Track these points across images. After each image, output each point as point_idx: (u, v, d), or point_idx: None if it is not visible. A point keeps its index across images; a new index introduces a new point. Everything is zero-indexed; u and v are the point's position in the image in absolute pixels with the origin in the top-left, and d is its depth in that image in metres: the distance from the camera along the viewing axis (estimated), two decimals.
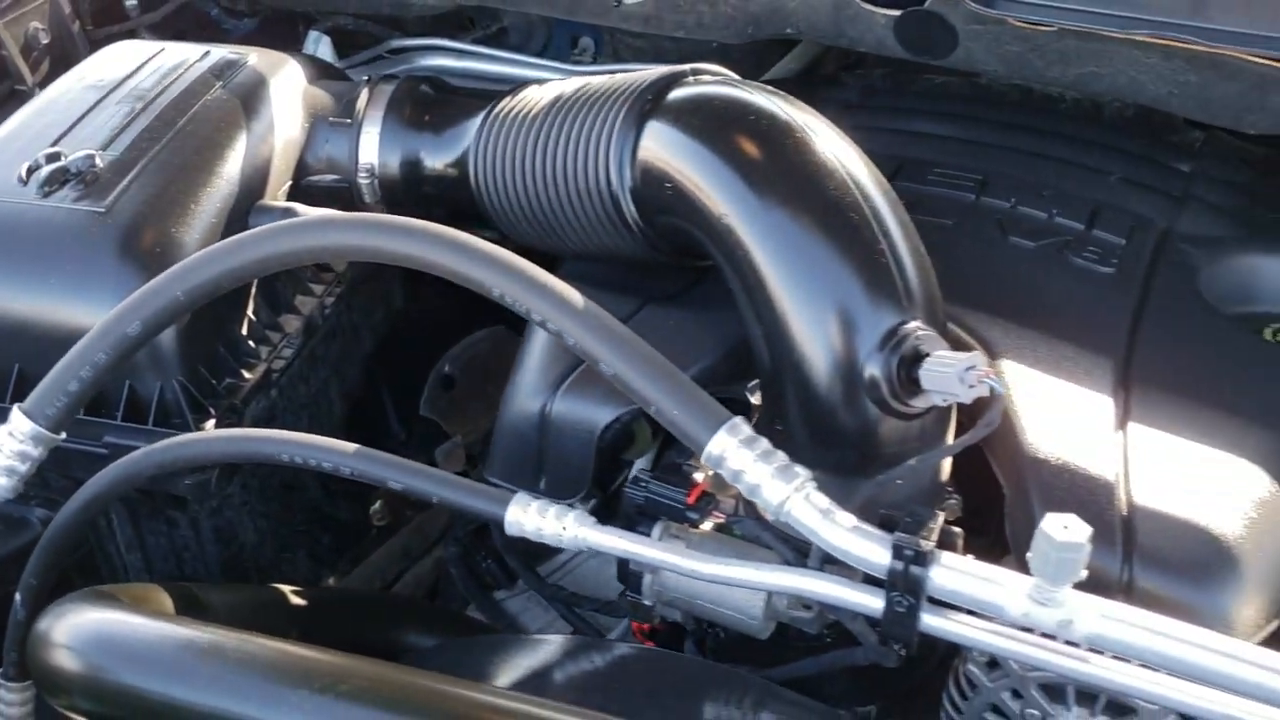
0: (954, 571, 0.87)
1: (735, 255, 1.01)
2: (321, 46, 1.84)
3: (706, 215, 1.03)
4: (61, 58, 1.62)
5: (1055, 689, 0.96)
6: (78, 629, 0.84)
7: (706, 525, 1.05)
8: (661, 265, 1.21)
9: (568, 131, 1.16)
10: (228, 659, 0.81)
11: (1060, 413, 1.03)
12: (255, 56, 1.40)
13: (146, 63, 1.39)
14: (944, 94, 1.52)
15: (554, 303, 0.94)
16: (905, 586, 0.87)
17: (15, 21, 1.62)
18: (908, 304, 0.98)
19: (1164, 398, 1.05)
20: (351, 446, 1.03)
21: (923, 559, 0.86)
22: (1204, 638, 0.83)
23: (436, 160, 1.31)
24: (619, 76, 1.18)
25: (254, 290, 1.29)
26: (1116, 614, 0.83)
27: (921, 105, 1.49)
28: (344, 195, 1.36)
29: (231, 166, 1.28)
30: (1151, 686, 0.86)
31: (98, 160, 1.22)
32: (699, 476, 1.06)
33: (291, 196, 1.35)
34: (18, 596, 1.04)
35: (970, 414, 1.00)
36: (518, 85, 1.29)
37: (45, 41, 1.64)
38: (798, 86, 1.67)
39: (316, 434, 1.05)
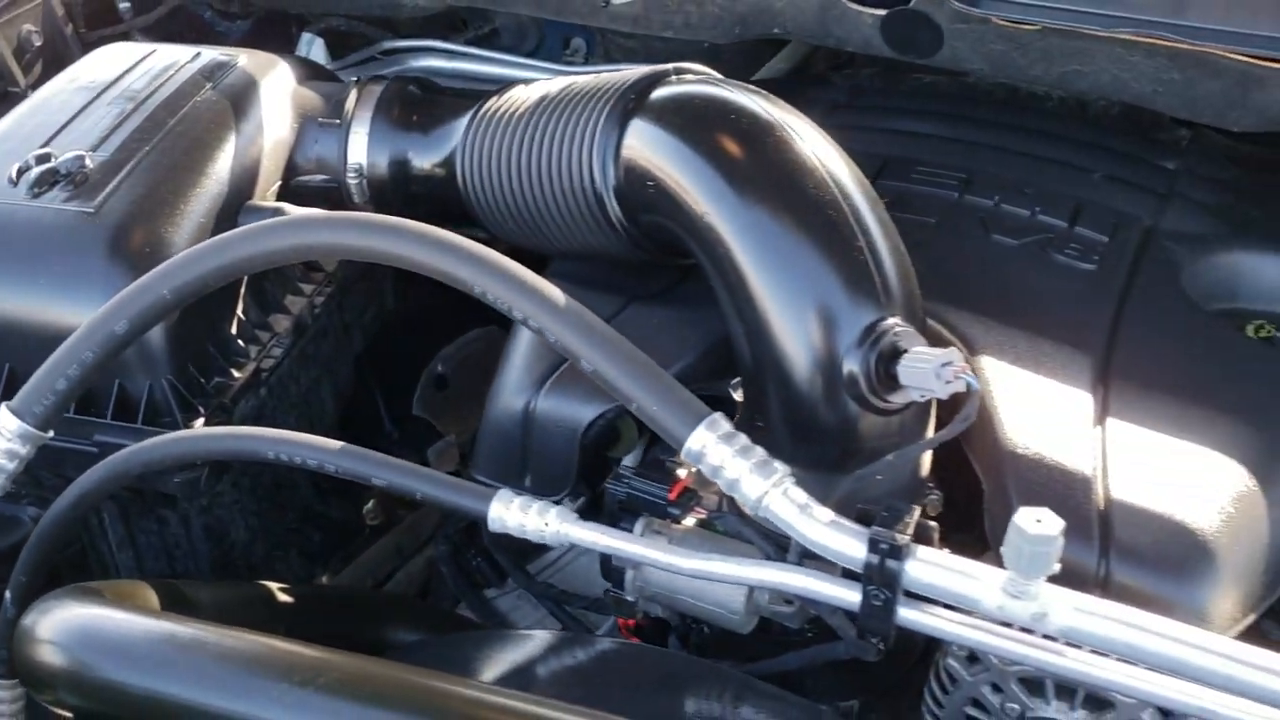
0: (929, 565, 0.87)
1: (716, 253, 1.02)
2: (315, 48, 1.85)
3: (687, 213, 1.04)
4: (54, 60, 1.63)
5: (1035, 683, 0.97)
6: (61, 624, 0.85)
7: (689, 521, 1.05)
8: (646, 264, 1.22)
9: (552, 130, 1.17)
10: (208, 653, 0.81)
11: (1039, 408, 1.04)
12: (245, 58, 1.41)
13: (137, 64, 1.40)
14: (931, 93, 1.53)
15: (535, 300, 0.95)
16: (881, 580, 0.88)
17: (8, 24, 1.63)
18: (886, 301, 0.98)
19: (1143, 393, 1.06)
20: (336, 444, 1.04)
21: (898, 553, 0.87)
22: (1178, 631, 0.83)
23: (424, 160, 1.32)
24: (604, 76, 1.19)
25: (243, 290, 1.30)
26: (1090, 607, 0.84)
27: (908, 104, 1.50)
28: (333, 195, 1.37)
29: (221, 167, 1.29)
30: (1128, 680, 0.87)
31: (88, 161, 1.23)
32: (682, 473, 1.06)
33: (281, 197, 1.36)
34: (8, 594, 1.05)
35: (951, 410, 1.01)
36: (504, 85, 1.30)
37: (38, 44, 1.65)
38: (787, 86, 1.68)
39: (307, 433, 1.06)
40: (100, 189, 1.21)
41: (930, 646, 1.03)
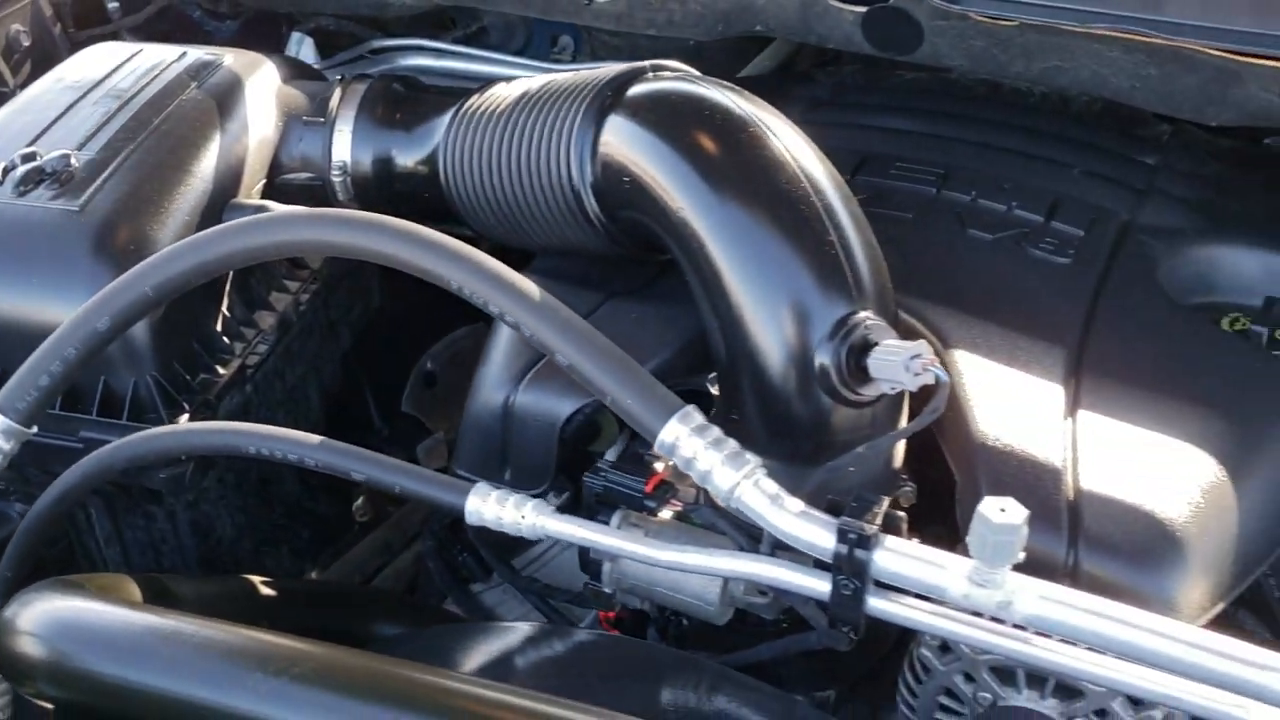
0: (897, 554, 0.88)
1: (690, 247, 1.03)
2: (304, 47, 1.86)
3: (662, 208, 1.05)
4: (43, 60, 1.64)
5: (1006, 672, 0.97)
6: (40, 616, 0.86)
7: (665, 513, 1.06)
8: (626, 260, 1.23)
9: (531, 127, 1.18)
10: (185, 644, 0.82)
11: (1011, 401, 1.05)
12: (231, 57, 1.42)
13: (124, 64, 1.41)
14: (913, 89, 1.54)
15: (510, 295, 0.96)
16: (850, 569, 0.89)
17: None
18: (858, 295, 0.99)
19: (1115, 385, 1.07)
20: (316, 439, 1.05)
21: (866, 542, 0.88)
22: (1142, 619, 0.84)
23: (407, 158, 1.33)
24: (582, 73, 1.20)
25: (228, 287, 1.31)
26: (1055, 595, 0.85)
27: (890, 101, 1.51)
28: (318, 193, 1.38)
29: (206, 165, 1.30)
30: (1096, 668, 0.88)
31: (73, 160, 1.25)
32: (659, 466, 1.07)
33: (266, 195, 1.37)
34: None
35: (925, 403, 1.02)
36: (486, 83, 1.31)
37: (26, 44, 1.67)
38: (770, 83, 1.69)
39: (293, 430, 1.07)
40: (85, 187, 1.23)
41: (904, 637, 1.04)
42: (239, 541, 1.39)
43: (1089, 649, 0.88)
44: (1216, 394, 1.07)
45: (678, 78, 1.14)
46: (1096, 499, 0.98)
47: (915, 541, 0.91)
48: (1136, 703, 0.94)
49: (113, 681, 0.83)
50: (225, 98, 1.37)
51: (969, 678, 0.99)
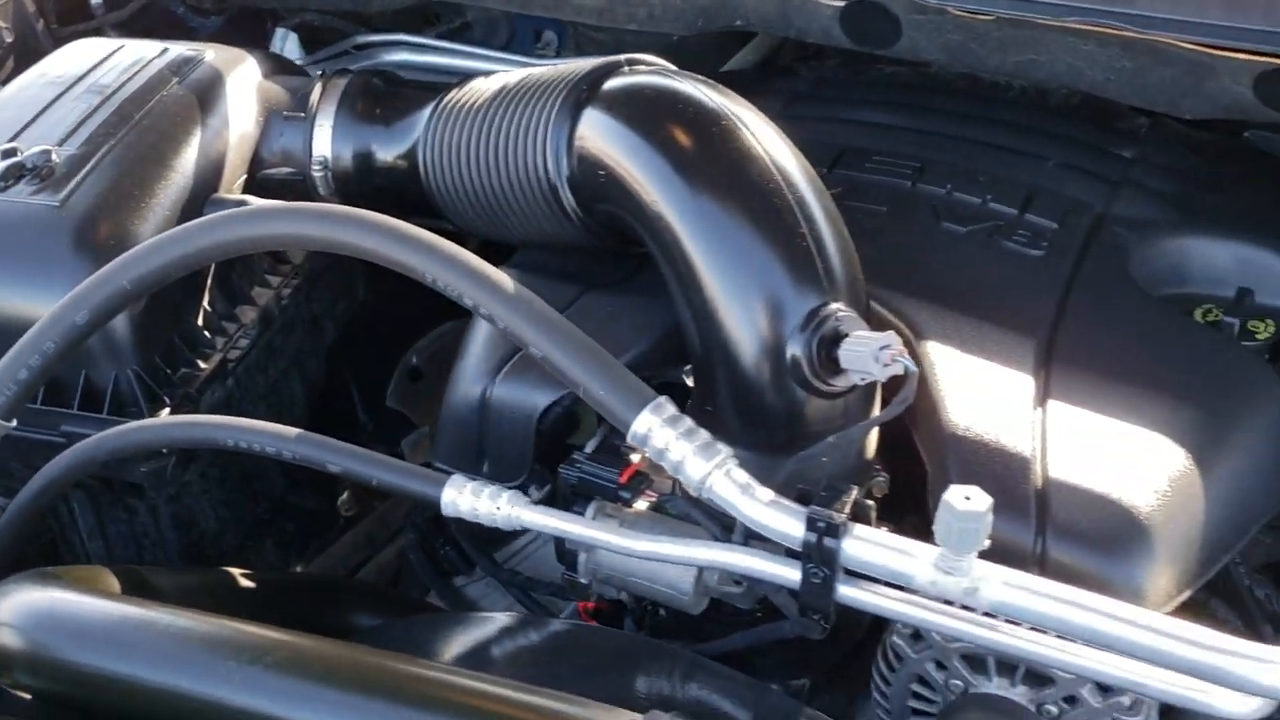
0: (865, 542, 0.89)
1: (664, 240, 1.04)
2: (288, 43, 1.87)
3: (636, 201, 1.06)
4: (25, 56, 1.64)
5: (977, 660, 0.99)
6: (16, 607, 0.87)
7: (641, 504, 1.07)
8: (605, 254, 1.24)
9: (509, 122, 1.19)
10: (159, 633, 0.83)
11: (981, 391, 1.06)
12: (212, 53, 1.43)
13: (105, 59, 1.42)
14: (893, 84, 1.54)
15: (484, 287, 0.97)
16: (820, 558, 0.90)
17: None
18: (829, 287, 1.00)
19: (1086, 376, 1.08)
20: (293, 431, 1.06)
21: (835, 531, 0.89)
22: (1107, 606, 0.85)
23: (387, 152, 1.34)
24: (560, 67, 1.20)
25: (210, 282, 1.32)
26: (1020, 582, 0.86)
27: (870, 95, 1.51)
28: (299, 188, 1.39)
29: (186, 160, 1.31)
30: (1062, 655, 0.89)
31: (54, 155, 1.25)
32: (635, 458, 1.08)
33: (248, 189, 1.38)
34: None
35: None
36: (465, 77, 1.31)
37: (9, 40, 1.67)
38: (752, 77, 1.70)
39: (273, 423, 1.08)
40: (66, 182, 1.23)
41: (878, 626, 1.05)
42: (222, 536, 1.39)
43: (1057, 636, 0.89)
44: (1186, 384, 1.08)
45: (653, 72, 1.15)
46: (1064, 488, 0.99)
47: (885, 530, 0.92)
48: (1105, 689, 0.95)
49: (89, 671, 0.84)
50: (206, 93, 1.37)
51: (940, 665, 1.00)
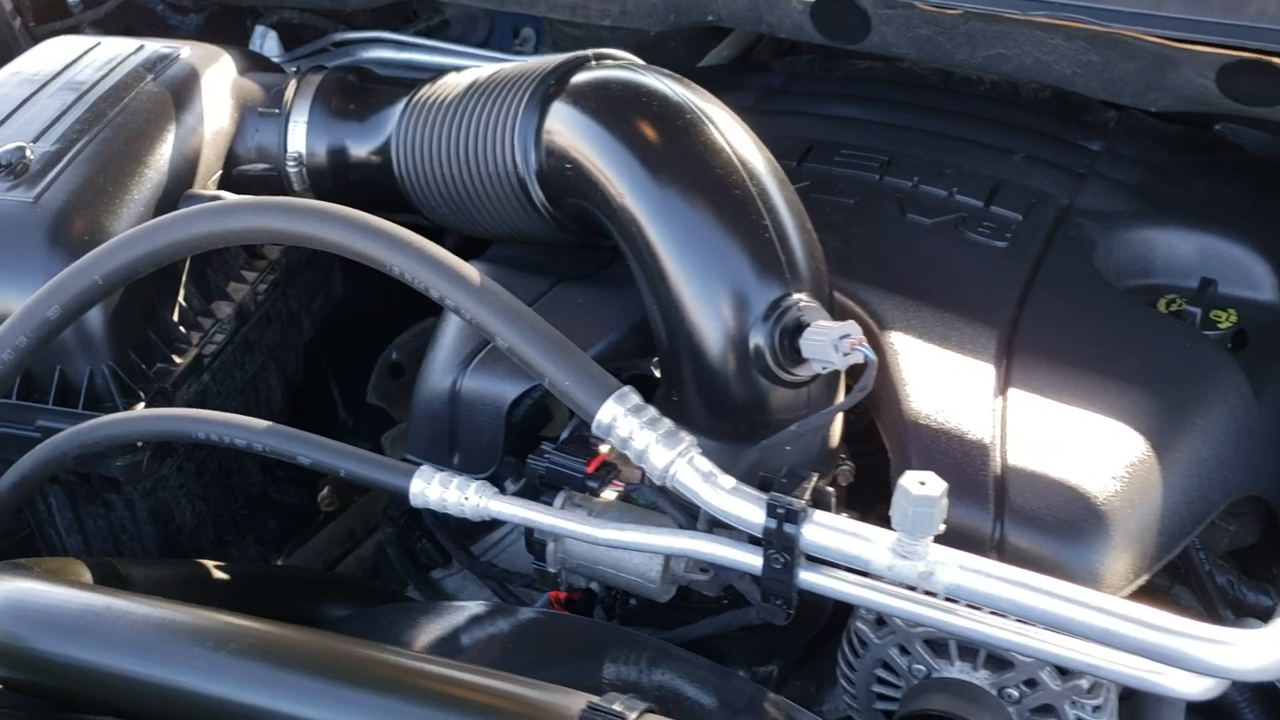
0: (824, 528, 0.91)
1: (629, 232, 1.05)
2: (268, 41, 1.88)
3: (602, 194, 1.07)
4: (3, 54, 1.65)
5: (939, 644, 1.00)
6: None
7: (609, 494, 1.08)
8: (578, 247, 1.25)
9: (478, 116, 1.20)
10: (124, 621, 0.84)
11: (943, 380, 1.07)
12: (187, 50, 1.43)
13: (81, 57, 1.42)
14: (865, 78, 1.56)
15: (450, 279, 0.98)
16: (780, 543, 0.91)
17: None
18: (791, 277, 1.01)
19: (1046, 365, 1.09)
20: (263, 423, 1.07)
21: (794, 517, 0.90)
22: (1061, 589, 0.87)
23: (361, 148, 1.35)
24: (529, 62, 1.21)
25: (185, 277, 1.33)
26: (975, 566, 0.87)
27: (842, 90, 1.53)
28: (274, 184, 1.40)
29: (161, 156, 1.32)
30: (1018, 638, 0.90)
31: (28, 152, 1.26)
32: (604, 448, 1.09)
33: (223, 186, 1.38)
34: None
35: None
36: (437, 73, 1.32)
37: None
38: (727, 72, 1.71)
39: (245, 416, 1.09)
40: (40, 179, 1.24)
41: (843, 613, 1.06)
42: (200, 530, 1.40)
43: (1016, 620, 0.90)
44: (1145, 373, 1.09)
45: (619, 66, 1.16)
46: (1022, 474, 1.00)
47: (846, 516, 0.93)
48: (1064, 672, 0.96)
49: (56, 660, 0.85)
50: (181, 90, 1.38)
51: (904, 650, 1.01)
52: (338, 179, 1.38)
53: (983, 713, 0.97)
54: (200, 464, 1.38)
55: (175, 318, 1.31)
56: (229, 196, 1.30)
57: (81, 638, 0.85)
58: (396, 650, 0.86)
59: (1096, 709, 0.97)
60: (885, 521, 0.94)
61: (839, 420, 1.07)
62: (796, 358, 0.99)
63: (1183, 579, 1.17)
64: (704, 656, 1.02)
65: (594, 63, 1.17)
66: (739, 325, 1.00)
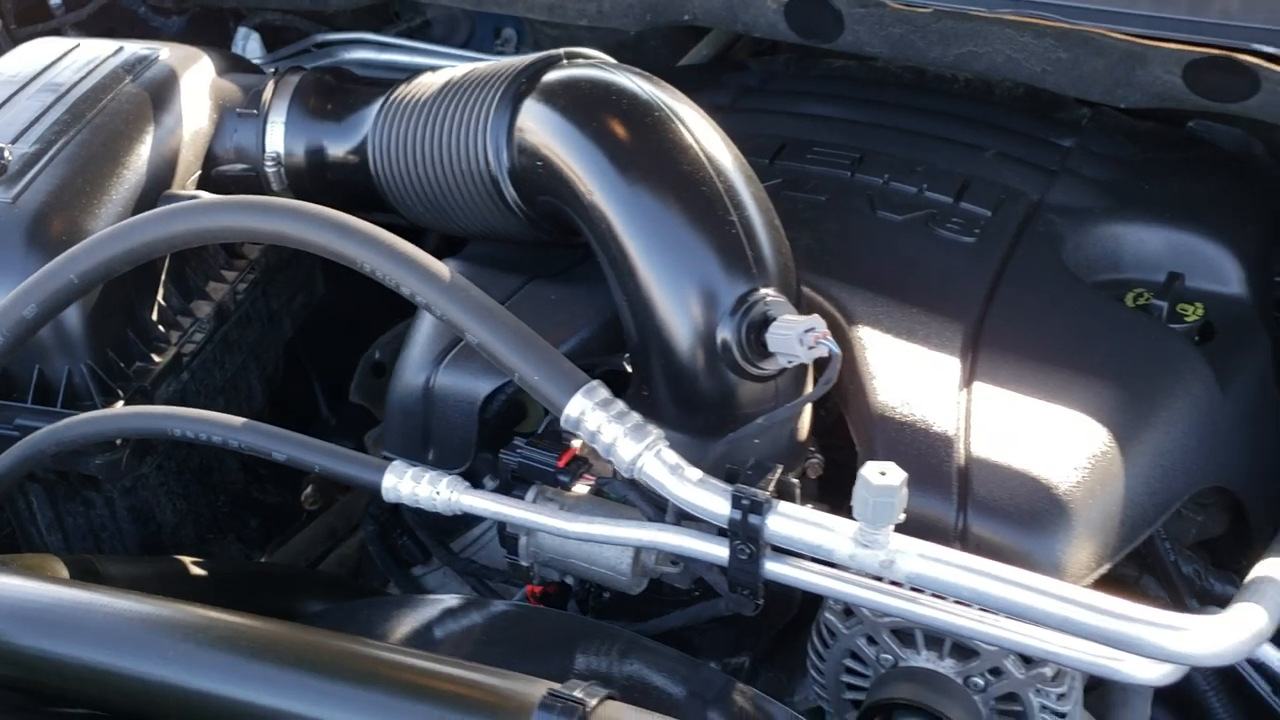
0: (788, 519, 0.92)
1: (599, 229, 1.06)
2: (250, 42, 1.89)
3: (572, 191, 1.08)
4: None
5: (906, 634, 1.01)
6: None
7: (582, 488, 1.09)
8: (551, 245, 1.26)
9: (452, 115, 1.21)
10: (95, 613, 0.85)
11: (909, 373, 1.08)
12: (166, 51, 1.44)
13: (60, 59, 1.43)
14: (840, 77, 1.57)
15: (420, 276, 0.99)
16: (745, 534, 0.92)
17: None
18: (758, 273, 1.03)
19: (1012, 359, 1.10)
20: (239, 420, 1.08)
21: (759, 507, 0.91)
22: (1020, 577, 0.88)
23: (339, 148, 1.36)
24: (502, 61, 1.23)
25: (164, 276, 1.34)
26: (936, 555, 0.88)
27: (817, 88, 1.54)
28: (252, 184, 1.41)
29: (139, 157, 1.33)
30: (981, 626, 0.91)
31: (7, 153, 1.27)
32: (576, 443, 1.10)
33: (202, 186, 1.39)
34: None
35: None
36: (413, 73, 1.34)
37: None
38: (704, 71, 1.73)
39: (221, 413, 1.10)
40: (18, 180, 1.25)
41: (813, 605, 1.08)
42: (181, 529, 1.41)
43: (978, 609, 0.91)
44: (1110, 366, 1.11)
45: (590, 65, 1.17)
46: (986, 465, 1.01)
47: (808, 507, 0.94)
48: (1028, 660, 0.97)
49: (27, 652, 0.85)
50: (160, 91, 1.39)
51: (871, 640, 1.03)
52: (316, 179, 1.39)
53: (949, 701, 0.98)
54: (180, 462, 1.39)
55: (154, 316, 1.32)
56: (208, 197, 1.31)
57: (54, 630, 0.85)
58: (365, 641, 0.87)
59: (1061, 697, 0.98)
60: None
61: (807, 413, 1.09)
62: (763, 352, 1.00)
63: (1150, 569, 1.18)
64: (676, 648, 1.03)
65: (565, 61, 1.18)
66: (706, 320, 1.02)
